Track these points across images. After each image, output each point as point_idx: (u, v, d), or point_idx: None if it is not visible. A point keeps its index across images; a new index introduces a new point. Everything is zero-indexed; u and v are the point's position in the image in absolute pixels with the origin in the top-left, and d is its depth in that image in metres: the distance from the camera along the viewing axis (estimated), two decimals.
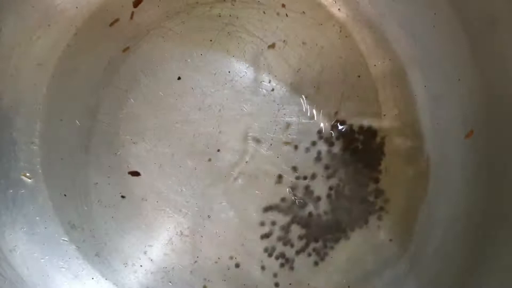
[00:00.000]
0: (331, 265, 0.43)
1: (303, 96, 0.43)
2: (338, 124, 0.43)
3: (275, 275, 0.43)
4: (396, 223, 0.43)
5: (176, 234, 0.43)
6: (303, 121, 0.43)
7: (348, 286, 0.43)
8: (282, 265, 0.43)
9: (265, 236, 0.43)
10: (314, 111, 0.43)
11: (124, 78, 0.42)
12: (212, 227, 0.43)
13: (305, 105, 0.43)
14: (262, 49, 0.43)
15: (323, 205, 0.43)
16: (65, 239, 0.42)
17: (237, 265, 0.43)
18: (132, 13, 0.42)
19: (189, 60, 0.42)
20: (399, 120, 0.43)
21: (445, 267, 0.39)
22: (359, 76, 0.43)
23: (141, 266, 0.43)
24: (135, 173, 0.40)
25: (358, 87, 0.43)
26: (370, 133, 0.43)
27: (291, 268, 0.43)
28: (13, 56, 0.40)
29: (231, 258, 0.43)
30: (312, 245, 0.43)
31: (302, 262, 0.43)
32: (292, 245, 0.43)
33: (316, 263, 0.43)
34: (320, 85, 0.43)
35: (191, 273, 0.43)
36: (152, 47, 0.42)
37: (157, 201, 0.43)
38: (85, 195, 0.42)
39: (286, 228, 0.43)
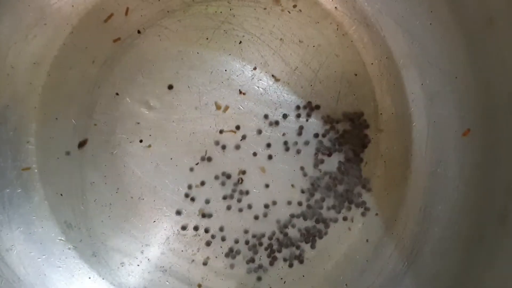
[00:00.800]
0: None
1: (300, 94, 0.43)
2: (335, 122, 0.43)
3: (275, 273, 0.43)
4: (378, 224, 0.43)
5: (173, 233, 0.43)
6: (300, 119, 0.43)
7: (346, 284, 0.43)
8: (272, 260, 0.43)
9: (262, 235, 0.43)
10: (311, 109, 0.43)
11: (120, 76, 0.42)
12: (209, 226, 0.43)
13: (302, 103, 0.43)
14: (258, 47, 0.43)
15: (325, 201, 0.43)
16: (62, 238, 0.42)
17: (234, 264, 0.43)
18: (127, 9, 0.42)
19: (185, 58, 0.42)
20: (396, 118, 0.43)
21: (443, 266, 0.39)
22: (356, 74, 0.43)
23: (138, 265, 0.43)
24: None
25: (355, 85, 0.43)
26: (367, 131, 0.43)
27: (291, 265, 0.43)
28: (9, 55, 0.40)
29: (228, 256, 0.43)
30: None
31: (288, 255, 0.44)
32: (290, 244, 0.43)
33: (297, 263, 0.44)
34: (317, 83, 0.43)
35: (188, 272, 0.43)
36: (148, 45, 0.42)
37: (154, 200, 0.43)
38: (82, 195, 0.42)
39: (286, 224, 0.43)
